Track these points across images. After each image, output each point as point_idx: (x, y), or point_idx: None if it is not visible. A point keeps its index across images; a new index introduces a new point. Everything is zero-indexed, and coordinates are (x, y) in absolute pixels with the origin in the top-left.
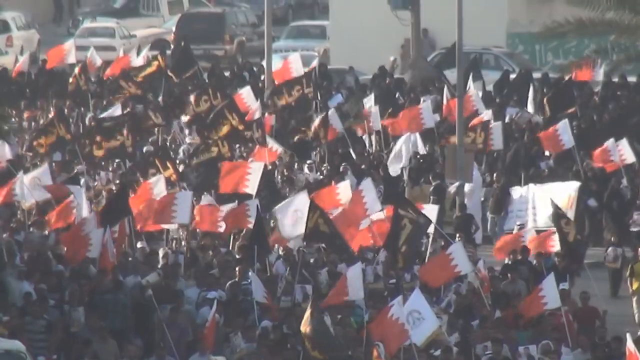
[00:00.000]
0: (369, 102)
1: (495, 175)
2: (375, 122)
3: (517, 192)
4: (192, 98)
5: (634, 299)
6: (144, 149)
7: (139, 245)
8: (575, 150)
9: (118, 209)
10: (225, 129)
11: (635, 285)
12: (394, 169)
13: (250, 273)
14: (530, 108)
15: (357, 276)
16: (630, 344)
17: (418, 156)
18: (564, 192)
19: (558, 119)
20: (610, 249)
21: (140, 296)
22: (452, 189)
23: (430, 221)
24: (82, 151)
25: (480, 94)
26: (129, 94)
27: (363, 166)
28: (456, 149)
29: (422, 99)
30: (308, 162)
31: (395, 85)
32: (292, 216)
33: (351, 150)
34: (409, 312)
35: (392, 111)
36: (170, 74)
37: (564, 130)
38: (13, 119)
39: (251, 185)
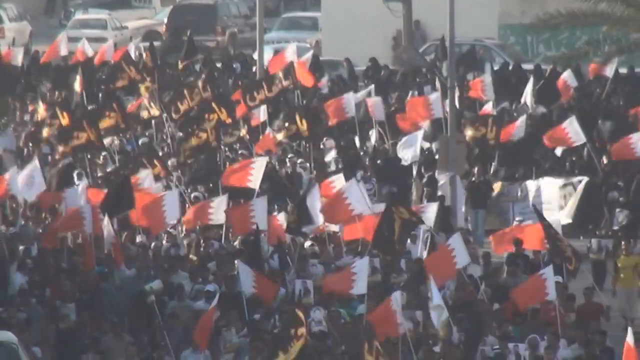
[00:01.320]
0: (368, 93)
1: (476, 169)
2: (378, 114)
3: (532, 185)
4: (185, 92)
5: (617, 294)
6: (140, 141)
7: (138, 239)
8: (589, 146)
9: (121, 201)
10: (211, 124)
11: (618, 280)
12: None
13: (239, 265)
14: (528, 100)
15: (364, 270)
16: (629, 338)
17: (425, 151)
18: (565, 188)
19: (560, 115)
20: (593, 240)
21: (142, 300)
22: (442, 179)
23: (421, 222)
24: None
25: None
26: (129, 79)
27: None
28: (448, 140)
29: (410, 93)
30: (290, 155)
31: (388, 78)
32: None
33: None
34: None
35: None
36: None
37: (573, 128)
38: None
39: (254, 180)
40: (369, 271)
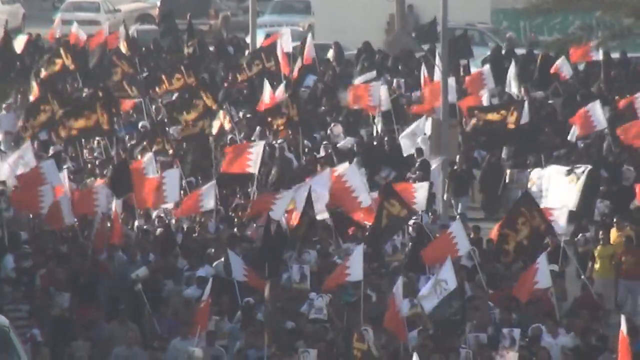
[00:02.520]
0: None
1: (458, 157)
2: (384, 102)
3: (536, 173)
4: (163, 77)
5: (595, 283)
6: (140, 125)
7: (135, 223)
8: (609, 132)
9: (119, 185)
10: (198, 110)
11: (596, 269)
12: (406, 149)
13: (229, 252)
14: (513, 86)
15: (359, 257)
16: (624, 327)
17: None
18: (570, 176)
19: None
20: (579, 235)
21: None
22: (434, 163)
23: (412, 215)
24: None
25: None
26: (123, 73)
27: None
28: (441, 124)
29: (395, 80)
30: (279, 141)
31: (381, 63)
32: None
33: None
34: (437, 281)
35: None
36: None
37: (595, 112)
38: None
39: (253, 165)
40: None
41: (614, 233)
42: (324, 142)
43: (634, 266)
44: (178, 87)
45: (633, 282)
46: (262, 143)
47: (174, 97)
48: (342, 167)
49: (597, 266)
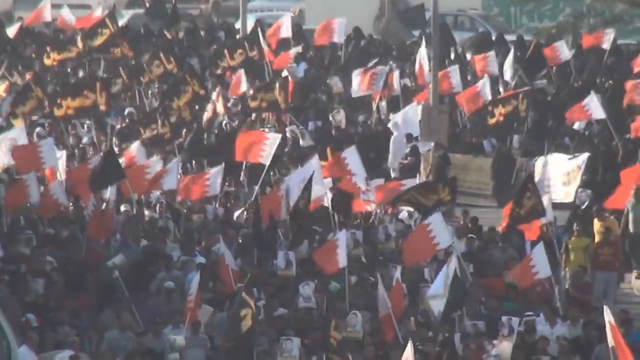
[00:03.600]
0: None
1: (434, 144)
2: (396, 87)
3: (539, 162)
4: (144, 66)
5: (568, 274)
6: (126, 111)
7: (122, 208)
8: (609, 122)
9: (110, 173)
10: (187, 96)
11: (570, 261)
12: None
13: (220, 240)
14: (508, 73)
15: (343, 243)
16: (610, 317)
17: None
18: (570, 165)
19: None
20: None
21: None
22: (424, 148)
23: (452, 207)
24: (50, 111)
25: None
26: (121, 54)
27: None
28: (430, 110)
29: (390, 62)
30: (269, 126)
31: (367, 49)
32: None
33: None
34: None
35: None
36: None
37: (593, 104)
38: None
39: (266, 156)
40: (352, 244)
41: (597, 224)
42: (300, 128)
43: (611, 258)
44: (158, 75)
45: (609, 274)
46: (278, 135)
47: (156, 86)
48: (347, 151)
49: (571, 257)
